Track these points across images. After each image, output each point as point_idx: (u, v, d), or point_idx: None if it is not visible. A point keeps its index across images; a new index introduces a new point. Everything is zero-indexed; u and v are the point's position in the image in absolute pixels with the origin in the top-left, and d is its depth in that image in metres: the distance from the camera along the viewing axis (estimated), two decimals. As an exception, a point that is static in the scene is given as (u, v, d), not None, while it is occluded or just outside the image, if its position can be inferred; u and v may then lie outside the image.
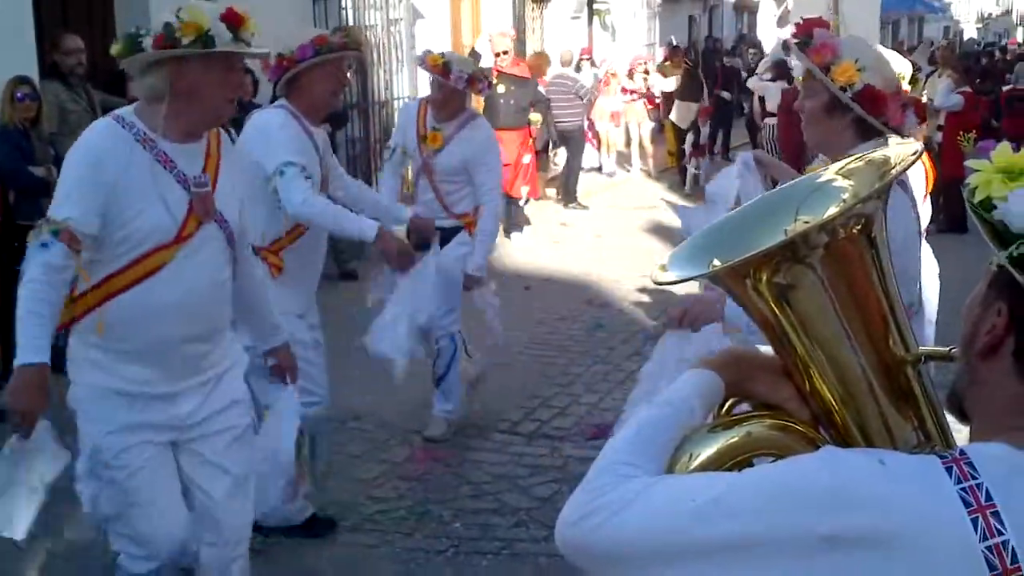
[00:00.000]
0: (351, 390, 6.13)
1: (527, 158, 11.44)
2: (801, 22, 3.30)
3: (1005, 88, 15.48)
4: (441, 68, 5.59)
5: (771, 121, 14.46)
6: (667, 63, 16.19)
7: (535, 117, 11.71)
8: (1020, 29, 32.70)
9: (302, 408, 4.42)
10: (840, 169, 1.68)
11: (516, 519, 5.00)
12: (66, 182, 3.25)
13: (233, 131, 8.49)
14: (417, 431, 5.92)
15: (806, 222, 1.62)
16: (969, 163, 1.41)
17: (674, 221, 11.37)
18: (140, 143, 3.27)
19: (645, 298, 9.03)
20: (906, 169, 1.55)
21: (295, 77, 4.52)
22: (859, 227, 1.53)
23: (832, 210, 1.60)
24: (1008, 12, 50.90)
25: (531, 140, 11.83)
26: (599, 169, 16.00)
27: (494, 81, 9.48)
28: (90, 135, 3.34)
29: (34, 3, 7.84)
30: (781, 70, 14.71)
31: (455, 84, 5.59)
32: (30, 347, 3.06)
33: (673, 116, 15.24)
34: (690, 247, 1.75)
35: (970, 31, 43.79)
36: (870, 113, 3.11)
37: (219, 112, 3.41)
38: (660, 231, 11.68)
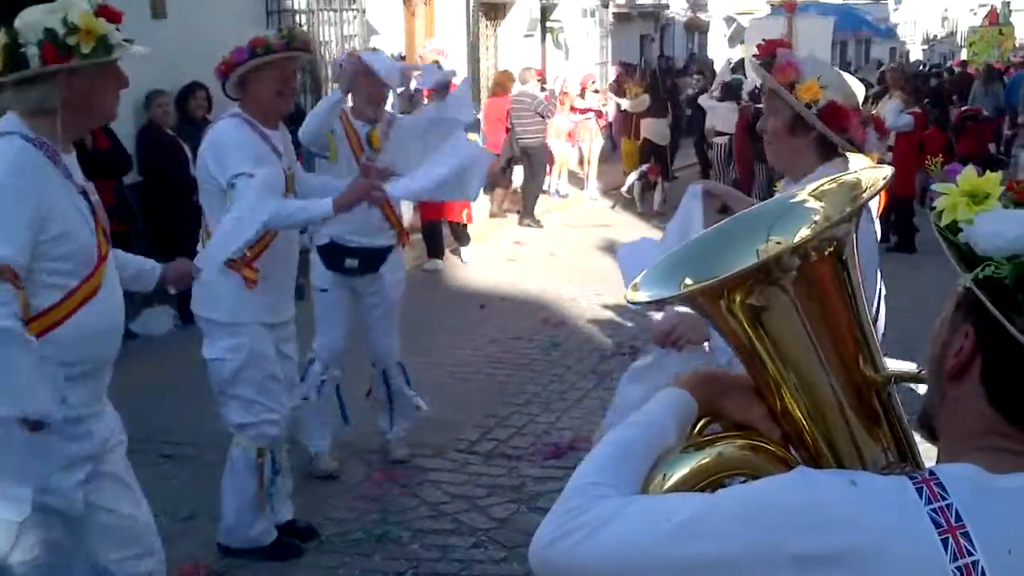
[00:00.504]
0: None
1: None
2: (763, 43, 3.34)
3: (963, 108, 15.82)
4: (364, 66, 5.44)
5: (720, 140, 14.65)
6: (625, 83, 16.12)
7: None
8: (964, 51, 33.35)
9: (264, 427, 4.43)
10: (812, 191, 1.70)
11: (474, 540, 4.97)
12: None
13: (187, 148, 8.50)
14: (374, 451, 5.87)
15: (778, 243, 1.64)
16: (935, 187, 1.44)
17: (626, 239, 11.47)
18: (50, 159, 3.12)
19: (600, 317, 9.05)
20: (877, 193, 1.57)
21: (244, 82, 4.47)
22: (831, 250, 1.55)
23: (804, 232, 1.61)
24: (952, 33, 51.90)
25: None
26: (555, 191, 15.95)
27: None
28: (6, 157, 3.06)
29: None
30: (729, 90, 14.89)
31: (386, 79, 5.46)
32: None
33: (647, 134, 15.26)
34: (663, 266, 1.75)
35: (916, 52, 44.60)
36: (833, 129, 3.14)
37: (109, 116, 3.36)
38: (614, 250, 11.73)
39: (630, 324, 8.63)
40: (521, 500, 5.34)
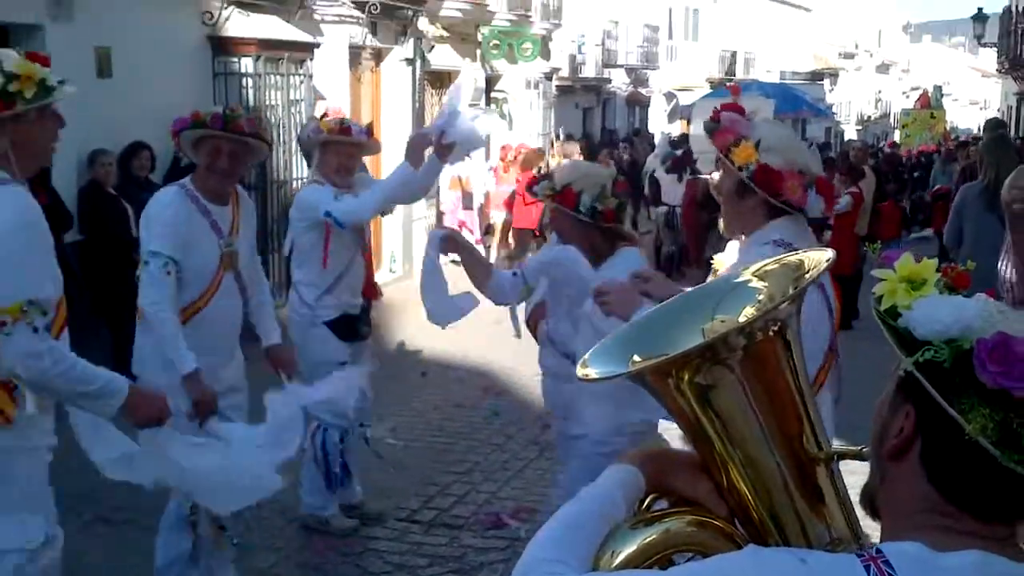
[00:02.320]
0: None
1: None
2: (717, 108, 3.44)
3: (935, 188, 16.35)
4: (339, 126, 5.53)
5: (661, 210, 14.99)
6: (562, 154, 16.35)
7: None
8: (896, 132, 34.28)
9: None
10: (756, 271, 1.75)
11: (414, 610, 4.91)
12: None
13: (130, 208, 8.44)
14: (314, 515, 5.79)
15: (723, 321, 1.69)
16: (875, 272, 1.48)
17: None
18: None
19: (539, 386, 9.04)
20: (819, 275, 1.62)
21: (195, 152, 4.55)
22: (775, 329, 1.59)
23: (749, 311, 1.66)
24: (886, 115, 53.36)
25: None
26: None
27: None
28: (22, 202, 3.20)
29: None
30: (677, 162, 15.23)
31: (357, 137, 5.56)
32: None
33: None
34: (611, 343, 1.79)
35: (850, 132, 45.72)
36: (766, 192, 3.20)
37: (49, 154, 3.47)
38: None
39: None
40: (461, 571, 5.29)
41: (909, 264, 1.44)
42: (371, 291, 10.61)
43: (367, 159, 8.31)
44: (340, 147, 5.50)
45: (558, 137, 18.21)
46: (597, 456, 3.76)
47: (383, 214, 10.92)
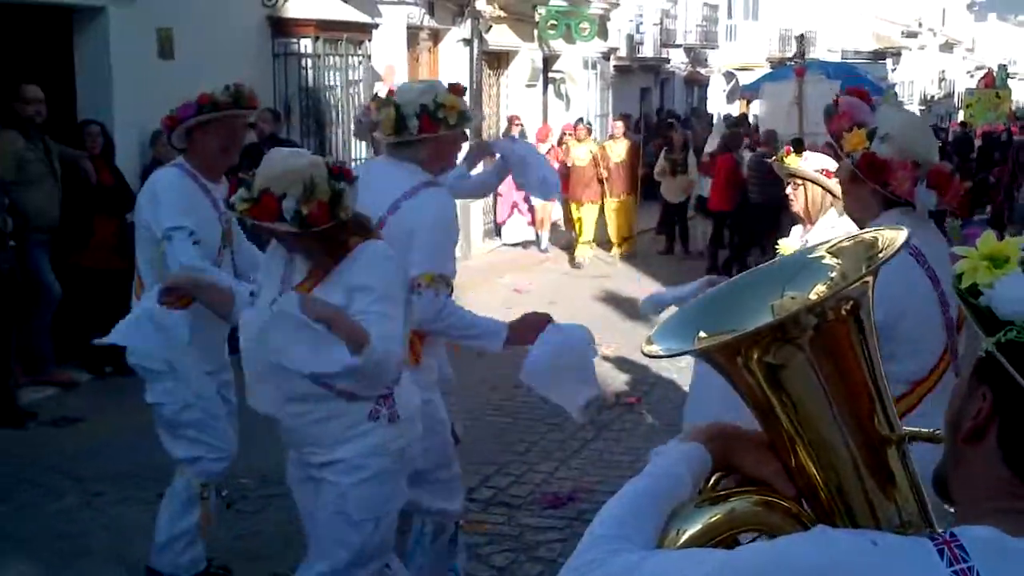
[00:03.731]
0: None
1: None
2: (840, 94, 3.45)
3: None
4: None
5: None
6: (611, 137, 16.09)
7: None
8: (960, 112, 33.65)
9: (208, 463, 4.58)
10: (830, 247, 1.71)
11: (473, 588, 4.93)
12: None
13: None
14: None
15: (793, 298, 1.65)
16: (955, 250, 1.45)
17: (625, 289, 11.47)
18: None
19: (600, 366, 9.01)
20: (893, 255, 1.58)
21: (190, 135, 4.56)
22: (848, 308, 1.56)
23: (821, 289, 1.62)
24: (950, 95, 52.40)
25: None
26: (536, 245, 15.70)
27: None
28: (445, 199, 4.03)
29: (-6, 53, 7.81)
30: (732, 140, 15.18)
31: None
32: None
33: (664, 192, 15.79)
34: (677, 320, 1.76)
35: (914, 112, 44.95)
36: (873, 181, 3.19)
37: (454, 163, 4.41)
38: (613, 299, 11.76)
39: (629, 375, 8.63)
40: (520, 550, 5.30)
41: (991, 241, 1.40)
42: None
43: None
44: None
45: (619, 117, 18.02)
46: None
47: None
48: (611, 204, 15.19)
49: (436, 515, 4.35)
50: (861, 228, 3.23)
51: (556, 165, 14.12)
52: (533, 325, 4.12)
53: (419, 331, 3.96)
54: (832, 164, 4.79)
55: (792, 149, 4.83)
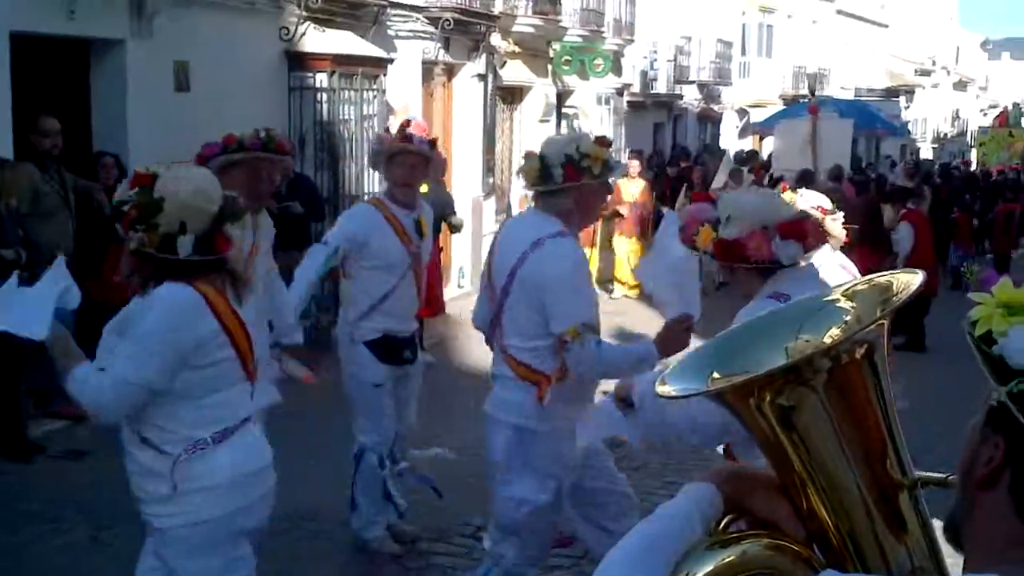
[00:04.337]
0: (309, 488, 6.03)
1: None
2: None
3: None
4: (400, 135, 5.47)
5: None
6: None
7: (458, 220, 11.00)
8: (973, 150, 33.67)
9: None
10: (845, 291, 1.71)
11: (479, 627, 4.88)
12: None
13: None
14: (359, 536, 5.77)
15: (807, 340, 1.65)
16: (971, 295, 1.43)
17: (639, 327, 11.44)
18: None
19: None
20: (910, 298, 1.57)
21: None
22: (862, 351, 1.55)
23: (835, 332, 1.62)
24: (963, 133, 52.44)
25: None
26: None
27: None
28: (574, 252, 4.29)
29: (12, 84, 7.87)
30: (730, 178, 15.32)
31: (419, 147, 5.45)
32: None
33: None
34: (691, 360, 1.76)
35: (926, 150, 45.01)
36: (732, 263, 3.51)
37: (596, 214, 4.95)
38: (621, 336, 11.72)
39: (639, 411, 8.57)
40: (527, 587, 5.26)
41: (1008, 289, 1.39)
42: (427, 309, 10.48)
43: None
44: (401, 157, 5.42)
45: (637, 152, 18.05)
46: None
47: (452, 230, 10.90)
48: (621, 244, 14.98)
49: None
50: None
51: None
52: (678, 336, 4.15)
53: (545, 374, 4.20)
54: (827, 202, 4.85)
55: (788, 187, 4.90)
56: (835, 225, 5.26)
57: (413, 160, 5.44)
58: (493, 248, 4.48)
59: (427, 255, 5.79)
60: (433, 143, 5.72)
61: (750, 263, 3.47)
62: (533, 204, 4.36)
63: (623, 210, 14.64)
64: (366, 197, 11.11)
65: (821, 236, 3.76)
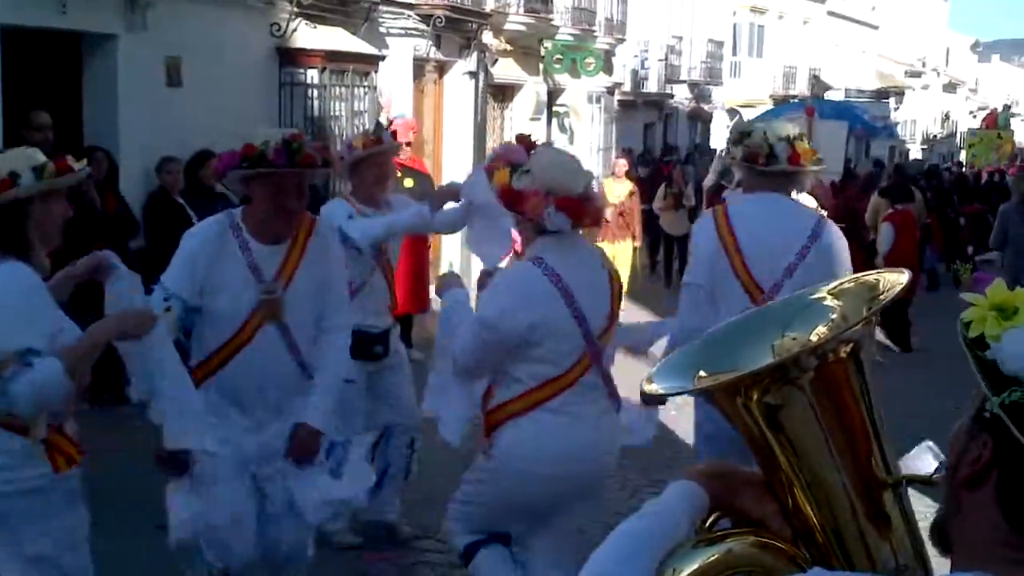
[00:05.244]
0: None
1: None
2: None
3: None
4: (370, 138, 5.43)
5: None
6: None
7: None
8: (962, 152, 33.78)
9: None
10: (831, 289, 1.72)
11: (467, 623, 4.89)
12: None
13: (195, 216, 8.56)
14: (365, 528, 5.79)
15: (794, 339, 1.66)
16: (965, 296, 1.41)
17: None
18: None
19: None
20: (895, 297, 1.59)
21: (243, 184, 4.03)
22: (848, 350, 1.57)
23: (821, 331, 1.63)
24: (952, 135, 52.57)
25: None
26: None
27: (399, 173, 8.40)
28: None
29: (3, 78, 7.85)
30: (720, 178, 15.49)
31: (388, 144, 5.45)
32: None
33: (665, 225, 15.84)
34: (678, 359, 1.77)
35: (915, 151, 45.11)
36: (508, 208, 3.81)
37: None
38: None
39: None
40: (514, 585, 5.27)
41: (1002, 290, 1.36)
42: (414, 305, 10.29)
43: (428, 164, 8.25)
44: (371, 157, 5.37)
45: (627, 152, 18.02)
46: None
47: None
48: (603, 247, 14.45)
49: None
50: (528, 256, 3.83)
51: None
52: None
53: None
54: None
55: None
56: None
57: (381, 159, 5.46)
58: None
59: (395, 256, 5.71)
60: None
61: (524, 217, 3.72)
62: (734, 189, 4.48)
63: (607, 213, 13.61)
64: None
65: (598, 220, 4.05)
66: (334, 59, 11.23)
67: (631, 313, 12.78)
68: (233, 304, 3.90)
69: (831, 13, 38.61)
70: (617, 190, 13.92)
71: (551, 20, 17.45)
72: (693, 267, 4.37)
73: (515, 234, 4.32)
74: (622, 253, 13.64)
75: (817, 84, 18.73)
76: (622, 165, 14.72)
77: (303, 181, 3.98)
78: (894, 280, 1.64)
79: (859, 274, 1.75)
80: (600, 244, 14.10)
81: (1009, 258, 9.50)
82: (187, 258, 3.93)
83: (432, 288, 5.60)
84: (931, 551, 1.57)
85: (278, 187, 3.87)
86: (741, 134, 4.39)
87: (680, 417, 8.09)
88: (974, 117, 50.09)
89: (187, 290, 3.83)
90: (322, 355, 4.09)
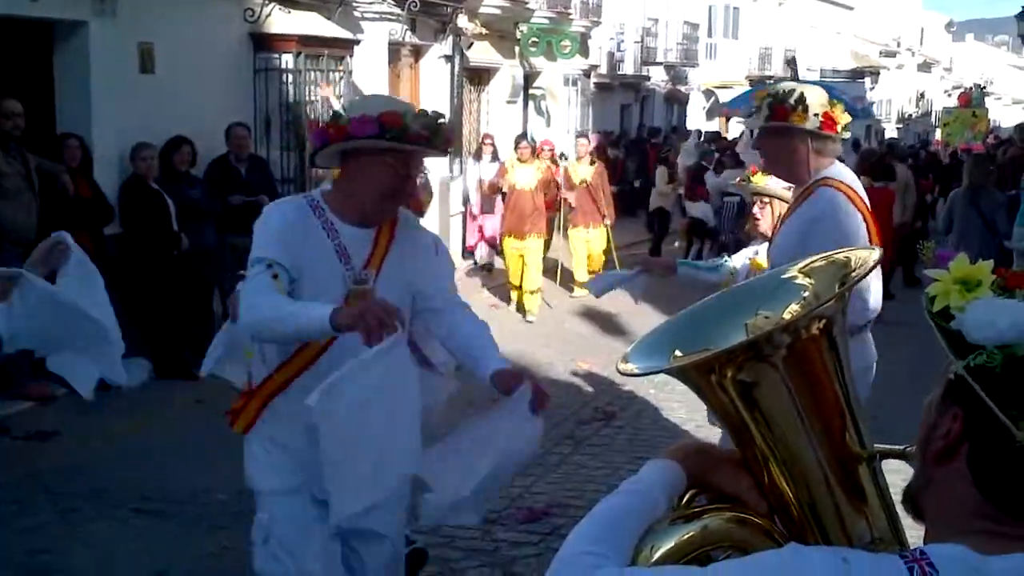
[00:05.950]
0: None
1: None
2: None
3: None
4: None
5: (730, 200, 14.20)
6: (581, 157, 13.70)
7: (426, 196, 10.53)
8: (938, 131, 33.93)
9: None
10: (802, 267, 1.74)
11: (448, 603, 4.92)
12: None
13: (170, 202, 8.52)
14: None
15: (767, 317, 1.68)
16: (928, 272, 1.47)
17: (604, 305, 11.49)
18: None
19: (576, 382, 9.06)
20: (866, 274, 1.60)
21: (346, 159, 3.43)
22: (820, 327, 1.58)
23: (794, 309, 1.65)
24: (927, 114, 52.81)
25: None
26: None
27: None
28: None
29: (-28, 66, 7.78)
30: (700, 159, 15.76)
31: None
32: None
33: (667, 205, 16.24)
34: (653, 338, 1.78)
35: (891, 131, 45.32)
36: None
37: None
38: (591, 315, 11.77)
39: (607, 389, 8.64)
40: (495, 564, 5.29)
41: (964, 265, 1.41)
42: None
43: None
44: None
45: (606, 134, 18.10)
46: None
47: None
48: (578, 236, 13.07)
49: None
50: None
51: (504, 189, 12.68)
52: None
53: None
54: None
55: (757, 169, 4.88)
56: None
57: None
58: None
59: None
60: None
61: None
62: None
63: (570, 197, 12.92)
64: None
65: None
66: (309, 44, 11.15)
67: (615, 297, 12.82)
68: (322, 288, 3.32)
69: (806, -7, 38.72)
70: (582, 172, 13.00)
71: (526, 3, 17.42)
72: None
73: None
74: (596, 239, 13.15)
75: (793, 64, 18.77)
76: (584, 144, 13.47)
77: (421, 162, 3.61)
78: (865, 256, 1.65)
79: (830, 252, 1.77)
80: (574, 230, 13.28)
81: (954, 241, 9.66)
82: (277, 232, 3.34)
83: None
84: (905, 521, 1.60)
85: (408, 165, 3.39)
86: (798, 100, 4.10)
87: (660, 395, 8.17)
88: (949, 96, 50.38)
89: (287, 262, 3.27)
90: (459, 323, 3.78)
